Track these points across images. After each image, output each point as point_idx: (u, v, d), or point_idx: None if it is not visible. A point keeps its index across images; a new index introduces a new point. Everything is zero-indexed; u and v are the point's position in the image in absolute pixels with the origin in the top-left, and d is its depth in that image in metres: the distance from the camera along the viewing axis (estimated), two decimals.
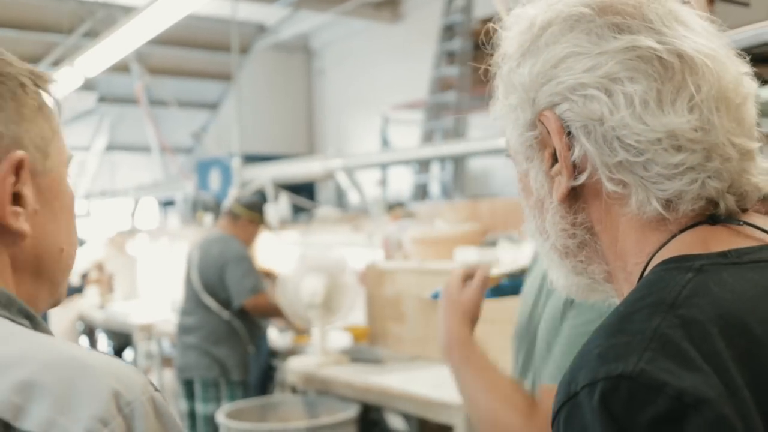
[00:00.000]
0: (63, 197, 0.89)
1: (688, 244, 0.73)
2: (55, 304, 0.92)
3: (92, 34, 8.49)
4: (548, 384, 1.31)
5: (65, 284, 0.92)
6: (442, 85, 8.36)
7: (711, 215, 0.75)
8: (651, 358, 0.62)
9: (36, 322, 0.81)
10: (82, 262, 6.67)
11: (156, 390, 0.75)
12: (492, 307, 3.28)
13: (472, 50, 8.14)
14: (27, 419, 0.66)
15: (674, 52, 0.74)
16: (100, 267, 7.01)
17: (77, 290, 6.61)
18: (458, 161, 7.53)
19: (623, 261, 0.78)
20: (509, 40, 0.85)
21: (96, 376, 0.71)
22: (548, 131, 0.78)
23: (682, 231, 0.75)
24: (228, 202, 4.83)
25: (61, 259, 0.89)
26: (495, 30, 0.90)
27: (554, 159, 0.79)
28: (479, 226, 3.95)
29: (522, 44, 0.82)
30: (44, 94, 0.89)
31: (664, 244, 0.74)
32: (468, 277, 1.57)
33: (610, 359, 0.63)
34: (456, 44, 8.15)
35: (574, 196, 0.79)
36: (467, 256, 3.51)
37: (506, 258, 3.37)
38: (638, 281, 0.75)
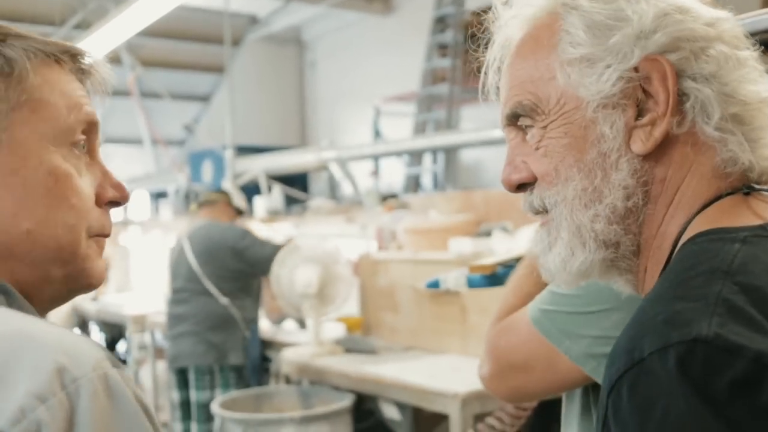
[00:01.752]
0: (31, 173, 0.79)
1: (725, 212, 0.75)
2: (85, 288, 0.85)
3: (84, 26, 8.46)
4: (526, 309, 1.31)
5: (82, 269, 0.83)
6: (434, 77, 8.37)
7: (747, 185, 0.78)
8: (721, 322, 0.61)
9: (13, 298, 0.76)
10: None
11: (115, 367, 0.69)
12: (486, 296, 3.32)
13: (464, 42, 8.15)
14: None
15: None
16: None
17: None
18: (450, 153, 7.55)
19: (668, 224, 0.79)
20: None
21: (41, 350, 0.66)
22: (655, 76, 0.78)
23: (719, 197, 0.77)
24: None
25: (33, 242, 0.79)
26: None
27: (639, 109, 0.79)
28: (473, 216, 3.96)
29: None
30: (17, 59, 0.81)
31: (703, 207, 0.77)
32: None
33: (680, 324, 0.63)
34: (448, 36, 8.16)
35: (654, 150, 0.79)
36: (461, 246, 3.53)
37: (500, 248, 3.39)
38: (671, 248, 0.77)
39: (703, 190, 0.78)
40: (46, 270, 0.81)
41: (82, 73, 0.89)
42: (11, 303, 0.75)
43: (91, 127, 0.86)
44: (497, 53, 0.92)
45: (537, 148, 0.84)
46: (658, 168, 0.79)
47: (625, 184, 0.79)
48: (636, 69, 0.78)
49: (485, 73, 0.94)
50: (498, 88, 0.91)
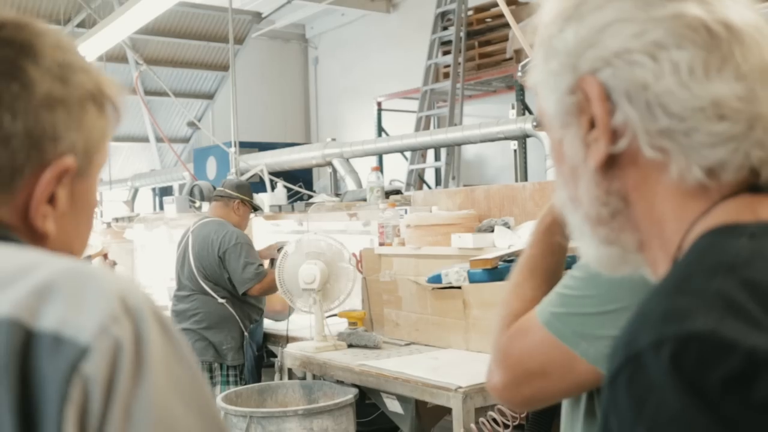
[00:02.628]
0: (89, 203, 0.90)
1: (733, 211, 0.73)
2: None
3: (88, 24, 8.49)
4: (534, 313, 1.31)
5: None
6: (436, 73, 8.39)
7: (753, 184, 0.75)
8: (718, 317, 0.61)
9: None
10: (91, 246, 6.72)
11: (157, 306, 0.77)
12: (488, 290, 3.34)
13: (466, 39, 8.17)
14: (43, 318, 0.69)
15: (721, 22, 0.75)
16: (104, 255, 7.05)
17: None
18: (453, 149, 7.57)
19: (660, 229, 0.78)
20: (550, 5, 0.84)
21: (103, 280, 0.74)
22: (588, 96, 0.78)
23: (724, 199, 0.75)
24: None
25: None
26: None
27: (591, 125, 0.79)
28: (475, 212, 3.99)
29: (566, 9, 0.81)
30: (114, 106, 0.91)
31: (707, 211, 0.74)
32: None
33: (676, 319, 0.63)
34: (450, 33, 8.17)
35: (611, 163, 0.79)
36: (463, 241, 3.56)
37: (502, 243, 3.41)
38: (677, 249, 0.75)
39: (682, 200, 0.76)
40: None
41: (114, 113, 0.97)
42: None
43: None
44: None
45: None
46: (624, 179, 0.79)
47: (595, 194, 0.80)
48: (574, 90, 0.79)
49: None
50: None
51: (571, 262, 2.77)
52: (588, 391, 1.29)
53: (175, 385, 0.72)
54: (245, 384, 4.34)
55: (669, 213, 0.77)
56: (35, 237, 0.84)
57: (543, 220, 1.45)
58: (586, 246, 0.85)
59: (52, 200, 0.84)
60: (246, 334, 4.42)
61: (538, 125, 0.92)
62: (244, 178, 6.47)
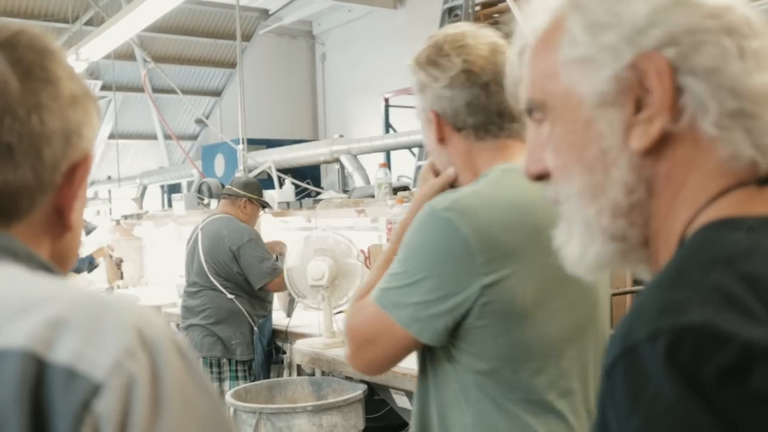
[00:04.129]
0: (85, 191, 0.92)
1: (734, 203, 0.75)
2: None
3: (96, 22, 8.51)
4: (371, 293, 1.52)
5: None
6: None
7: (760, 177, 0.76)
8: (715, 310, 0.62)
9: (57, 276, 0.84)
10: (92, 245, 6.75)
11: (175, 333, 0.76)
12: None
13: None
14: (57, 351, 0.68)
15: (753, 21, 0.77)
16: (110, 251, 7.08)
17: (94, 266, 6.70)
18: None
19: (673, 218, 0.78)
20: None
21: (120, 313, 0.73)
22: (649, 73, 0.77)
23: (729, 190, 0.76)
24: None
25: (71, 263, 0.94)
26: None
27: (638, 105, 0.78)
28: None
29: None
30: (95, 102, 0.93)
31: (712, 200, 0.76)
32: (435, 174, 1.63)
33: (672, 312, 0.63)
34: None
35: (652, 146, 0.78)
36: None
37: None
38: (681, 236, 0.76)
39: (708, 186, 0.76)
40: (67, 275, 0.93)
41: None
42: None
43: None
44: (518, 47, 0.92)
45: (548, 144, 0.85)
46: (659, 164, 0.78)
47: (625, 180, 0.79)
48: (631, 66, 0.77)
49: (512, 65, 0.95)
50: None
51: None
52: (408, 354, 1.49)
53: (194, 417, 0.72)
54: (254, 379, 4.36)
55: (690, 198, 0.77)
56: (59, 233, 0.87)
57: (404, 221, 1.59)
58: (588, 243, 0.83)
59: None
60: (255, 329, 4.44)
61: (535, 110, 0.90)
62: (252, 174, 6.48)
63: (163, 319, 0.76)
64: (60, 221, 0.86)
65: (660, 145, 0.77)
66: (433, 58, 1.54)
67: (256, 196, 4.65)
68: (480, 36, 1.54)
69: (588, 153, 0.81)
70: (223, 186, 5.48)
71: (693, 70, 0.75)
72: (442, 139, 1.57)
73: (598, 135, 0.80)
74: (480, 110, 1.51)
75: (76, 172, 0.86)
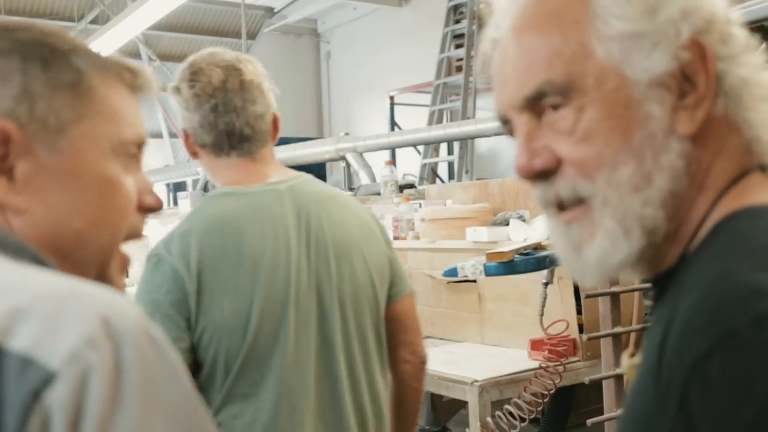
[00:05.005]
0: (87, 179, 0.86)
1: (756, 190, 0.76)
2: None
3: (102, 20, 8.52)
4: None
5: (106, 276, 0.90)
6: (449, 67, 8.38)
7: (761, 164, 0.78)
8: None
9: (45, 264, 0.80)
10: None
11: (153, 325, 0.71)
12: (503, 284, 3.34)
13: (479, 32, 8.15)
14: (15, 338, 0.65)
15: None
16: None
17: None
18: (466, 142, 7.56)
19: (696, 207, 0.77)
20: None
21: (86, 302, 0.69)
22: (693, 57, 0.76)
23: (744, 175, 0.77)
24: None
25: (80, 242, 0.86)
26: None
27: (682, 90, 0.76)
28: (489, 205, 3.98)
29: None
30: (93, 75, 0.88)
31: (731, 185, 0.77)
32: None
33: None
34: (463, 26, 8.16)
35: (697, 131, 0.77)
36: (478, 235, 3.56)
37: (517, 236, 3.40)
38: (697, 226, 0.76)
39: (729, 170, 0.77)
40: (84, 271, 0.86)
41: (138, 90, 0.95)
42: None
43: (141, 145, 0.94)
44: (494, 33, 0.84)
45: (571, 132, 0.77)
46: (697, 149, 0.76)
47: (673, 165, 0.75)
48: (682, 48, 0.75)
49: (481, 56, 0.86)
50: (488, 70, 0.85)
51: (551, 260, 2.77)
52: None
53: (163, 412, 0.68)
54: None
55: (714, 184, 0.77)
56: (10, 215, 0.82)
57: None
58: (619, 240, 0.77)
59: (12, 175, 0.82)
60: None
61: (549, 95, 0.88)
62: None
63: (139, 310, 0.72)
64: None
65: (700, 130, 0.76)
66: (176, 84, 1.72)
67: None
68: (217, 62, 1.71)
69: (634, 138, 0.75)
70: None
71: (725, 56, 0.77)
72: (194, 154, 1.76)
73: (645, 118, 0.75)
74: (211, 130, 1.69)
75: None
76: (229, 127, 1.69)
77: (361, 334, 1.74)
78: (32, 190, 0.82)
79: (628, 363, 0.86)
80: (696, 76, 0.76)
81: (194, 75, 1.69)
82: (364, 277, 1.76)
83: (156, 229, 7.65)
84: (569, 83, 0.76)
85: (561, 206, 0.79)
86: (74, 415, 0.63)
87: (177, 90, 1.72)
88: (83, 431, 0.63)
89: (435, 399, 3.31)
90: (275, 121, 1.80)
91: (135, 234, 0.93)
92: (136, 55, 10.13)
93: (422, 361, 1.89)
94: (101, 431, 0.63)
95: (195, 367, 1.62)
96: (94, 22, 9.13)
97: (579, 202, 0.78)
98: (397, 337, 1.86)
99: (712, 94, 0.76)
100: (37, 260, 0.80)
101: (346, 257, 1.74)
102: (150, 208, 0.95)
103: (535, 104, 0.78)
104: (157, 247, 1.64)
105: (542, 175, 0.78)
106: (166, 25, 9.76)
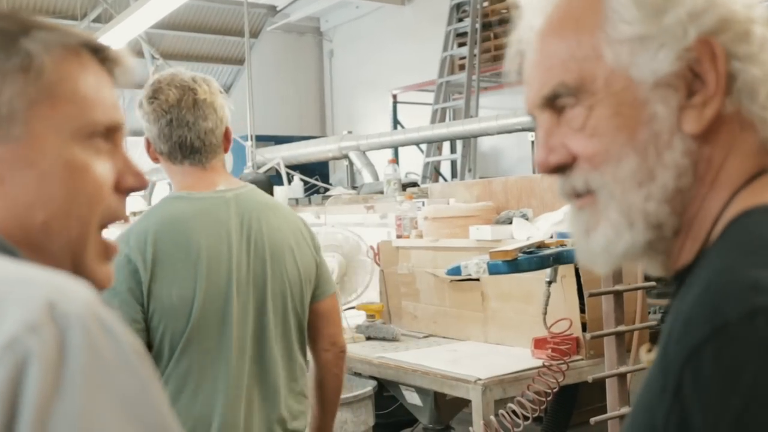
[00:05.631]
0: (48, 167, 0.82)
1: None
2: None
3: (105, 19, 8.52)
4: None
5: (88, 267, 0.87)
6: (452, 65, 8.37)
7: None
8: None
9: (17, 256, 0.78)
10: None
11: (107, 310, 0.68)
12: (507, 282, 3.33)
13: (481, 30, 8.14)
14: None
15: None
16: None
17: None
18: (469, 141, 7.55)
19: (708, 204, 0.79)
20: None
21: (32, 287, 0.66)
22: (703, 56, 0.77)
23: (756, 176, 0.77)
24: None
25: (49, 234, 0.83)
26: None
27: (689, 88, 0.78)
28: (492, 204, 3.98)
29: None
30: (45, 57, 0.83)
31: (747, 183, 0.77)
32: None
33: (764, 290, 0.63)
34: (466, 24, 8.15)
35: (706, 130, 0.78)
36: (482, 233, 3.55)
37: (521, 234, 3.40)
38: (712, 224, 0.77)
39: (745, 168, 0.78)
40: (59, 263, 0.83)
41: (108, 64, 0.90)
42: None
43: (115, 128, 0.89)
44: (523, 34, 0.89)
45: (582, 129, 0.82)
46: (706, 147, 0.78)
47: (677, 163, 0.78)
48: (689, 49, 0.77)
49: (510, 55, 0.91)
50: (519, 70, 0.90)
51: (568, 255, 2.78)
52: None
53: (115, 401, 0.65)
54: None
55: (729, 182, 0.78)
56: None
57: None
58: (622, 231, 0.81)
59: None
60: None
61: (563, 95, 0.92)
62: (260, 171, 6.48)
63: (91, 294, 0.68)
64: None
65: (709, 129, 0.78)
66: (141, 100, 2.02)
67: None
68: (176, 82, 1.99)
69: (639, 135, 0.79)
70: None
71: (741, 56, 0.77)
72: (155, 159, 2.07)
73: (650, 117, 0.78)
74: (166, 141, 1.99)
75: None
76: (182, 140, 1.98)
77: (285, 325, 2.05)
78: None
79: (647, 358, 0.87)
80: (706, 75, 0.77)
81: (155, 93, 2.00)
82: (294, 276, 2.06)
83: None
84: (580, 85, 0.81)
85: (578, 196, 0.84)
86: (10, 402, 0.61)
87: (140, 105, 2.02)
88: (21, 419, 0.61)
89: (438, 397, 3.31)
90: (227, 134, 2.09)
91: (115, 217, 0.90)
92: (139, 53, 10.13)
93: (341, 350, 2.27)
94: (40, 419, 0.61)
95: (147, 347, 1.86)
96: (96, 20, 9.13)
97: (590, 192, 0.83)
98: (320, 330, 2.20)
99: (722, 93, 0.77)
100: (4, 249, 0.77)
101: (280, 258, 2.04)
102: (132, 188, 0.91)
103: (553, 103, 0.84)
104: (118, 240, 1.84)
105: (559, 169, 0.84)
106: (169, 24, 9.77)
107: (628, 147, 0.79)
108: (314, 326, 2.19)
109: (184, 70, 2.07)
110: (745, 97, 0.77)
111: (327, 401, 2.28)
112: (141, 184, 0.92)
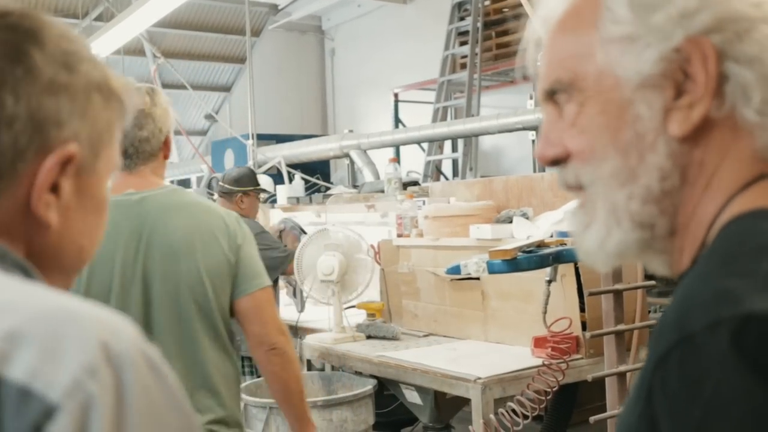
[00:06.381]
0: (97, 200, 0.89)
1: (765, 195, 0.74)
2: None
3: (106, 17, 8.52)
4: None
5: (75, 279, 0.94)
6: (453, 64, 8.37)
7: None
8: None
9: (32, 277, 0.80)
10: None
11: (150, 346, 0.71)
12: (507, 281, 3.33)
13: (483, 29, 8.13)
14: (13, 367, 0.64)
15: None
16: None
17: None
18: (470, 140, 7.55)
19: (703, 209, 0.77)
20: None
21: (84, 326, 0.68)
22: (695, 58, 0.75)
23: (756, 180, 0.75)
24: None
25: (80, 257, 0.89)
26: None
27: (677, 90, 0.76)
28: (493, 202, 3.98)
29: None
30: (120, 100, 0.90)
31: (744, 188, 0.75)
32: None
33: (731, 300, 0.62)
34: (467, 23, 8.15)
35: (692, 132, 0.77)
36: (482, 232, 3.55)
37: (521, 234, 3.40)
38: (707, 230, 0.75)
39: (741, 174, 0.76)
40: (70, 279, 0.91)
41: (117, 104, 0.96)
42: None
43: None
44: (538, 28, 0.89)
45: (573, 125, 0.82)
46: (695, 151, 0.77)
47: (661, 165, 0.77)
48: (678, 50, 0.76)
49: (525, 48, 0.92)
50: (537, 63, 0.90)
51: (567, 254, 2.78)
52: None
53: None
54: (259, 375, 4.38)
55: (724, 185, 0.76)
56: (36, 228, 0.81)
57: None
58: (612, 229, 0.81)
59: (56, 192, 0.82)
60: None
61: (560, 91, 0.92)
62: (261, 170, 6.48)
63: (134, 329, 0.71)
64: (31, 216, 0.81)
65: (698, 132, 0.76)
66: None
67: (249, 188, 4.65)
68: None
69: (622, 135, 0.79)
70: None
71: (737, 57, 0.75)
72: None
73: (634, 117, 0.78)
74: None
75: (54, 164, 0.80)
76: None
77: (182, 323, 2.12)
78: (65, 209, 0.83)
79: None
80: (696, 76, 0.76)
81: None
82: (194, 275, 2.12)
83: None
84: (572, 82, 0.82)
85: (571, 187, 0.85)
86: None
87: None
88: None
89: (438, 396, 3.31)
90: (167, 142, 2.20)
91: None
92: (141, 52, 10.14)
93: (271, 349, 2.24)
94: None
95: None
96: (98, 19, 9.13)
97: (581, 188, 0.83)
98: (246, 329, 2.26)
99: (711, 95, 0.75)
100: (21, 268, 0.79)
101: (174, 257, 2.10)
102: None
103: (553, 98, 0.85)
104: None
105: (556, 162, 0.85)
106: (171, 23, 9.76)
107: (611, 146, 0.80)
108: (241, 325, 2.26)
109: (135, 82, 2.07)
110: (739, 101, 0.75)
111: (277, 400, 2.37)
112: None
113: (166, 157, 2.22)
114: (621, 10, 0.79)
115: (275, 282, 4.62)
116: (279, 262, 4.42)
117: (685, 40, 0.76)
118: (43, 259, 0.83)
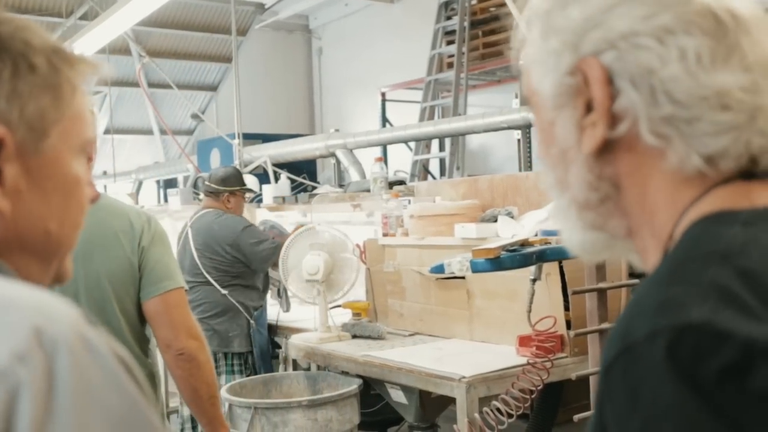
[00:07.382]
0: (59, 180, 0.86)
1: (726, 198, 0.72)
2: (56, 282, 0.91)
3: (91, 16, 8.48)
4: None
5: (63, 264, 0.91)
6: (440, 63, 8.37)
7: (746, 171, 0.73)
8: (713, 308, 0.60)
9: (5, 273, 0.79)
10: None
11: (91, 329, 0.70)
12: (491, 280, 3.33)
13: (470, 28, 8.14)
14: None
15: (729, 11, 0.74)
16: None
17: None
18: (457, 139, 7.55)
19: (651, 216, 0.77)
20: None
21: (17, 311, 0.67)
22: (589, 79, 0.76)
23: (717, 186, 0.73)
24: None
25: (49, 240, 0.86)
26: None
27: (587, 109, 0.77)
28: (478, 202, 3.98)
29: None
30: (69, 76, 0.86)
31: (700, 197, 0.73)
32: None
33: (670, 310, 0.62)
34: (454, 23, 8.15)
35: (605, 148, 0.77)
36: (467, 231, 3.55)
37: (505, 233, 3.40)
38: (668, 237, 0.74)
39: (681, 188, 0.74)
40: (49, 264, 0.88)
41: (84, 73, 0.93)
42: None
43: (90, 142, 0.94)
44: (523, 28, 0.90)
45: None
46: (614, 165, 0.77)
47: (585, 178, 0.79)
48: (572, 72, 0.77)
49: (513, 48, 0.92)
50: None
51: (551, 253, 2.79)
52: None
53: (103, 418, 0.66)
54: (251, 372, 4.36)
55: (662, 200, 0.76)
56: None
57: None
58: (570, 231, 0.84)
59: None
60: (252, 321, 4.45)
61: (525, 104, 0.97)
62: (247, 169, 6.46)
63: (74, 313, 0.69)
64: None
65: (610, 148, 0.77)
66: None
67: (236, 188, 4.65)
68: None
69: (552, 150, 0.82)
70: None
71: (629, 74, 0.73)
72: None
73: (556, 134, 0.80)
74: None
75: None
76: None
77: (110, 324, 2.12)
78: (14, 193, 0.81)
79: None
80: (593, 96, 0.76)
81: None
82: (90, 280, 2.13)
83: None
84: (529, 95, 0.85)
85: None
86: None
87: None
88: None
89: (423, 395, 3.31)
90: None
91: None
92: (126, 51, 10.10)
93: (179, 353, 2.21)
94: None
95: None
96: (83, 18, 9.09)
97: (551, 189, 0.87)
98: (154, 332, 2.22)
99: (605, 116, 0.75)
100: None
101: (88, 258, 2.11)
102: (90, 199, 0.96)
103: None
104: None
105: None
106: (156, 21, 9.73)
107: (548, 158, 0.84)
108: (151, 327, 2.22)
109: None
110: (630, 120, 0.74)
111: (187, 404, 2.37)
112: (95, 196, 0.98)
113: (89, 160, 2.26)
114: (535, 35, 0.81)
115: (266, 275, 4.61)
116: (269, 254, 4.41)
117: (579, 61, 0.76)
118: (6, 246, 0.81)
